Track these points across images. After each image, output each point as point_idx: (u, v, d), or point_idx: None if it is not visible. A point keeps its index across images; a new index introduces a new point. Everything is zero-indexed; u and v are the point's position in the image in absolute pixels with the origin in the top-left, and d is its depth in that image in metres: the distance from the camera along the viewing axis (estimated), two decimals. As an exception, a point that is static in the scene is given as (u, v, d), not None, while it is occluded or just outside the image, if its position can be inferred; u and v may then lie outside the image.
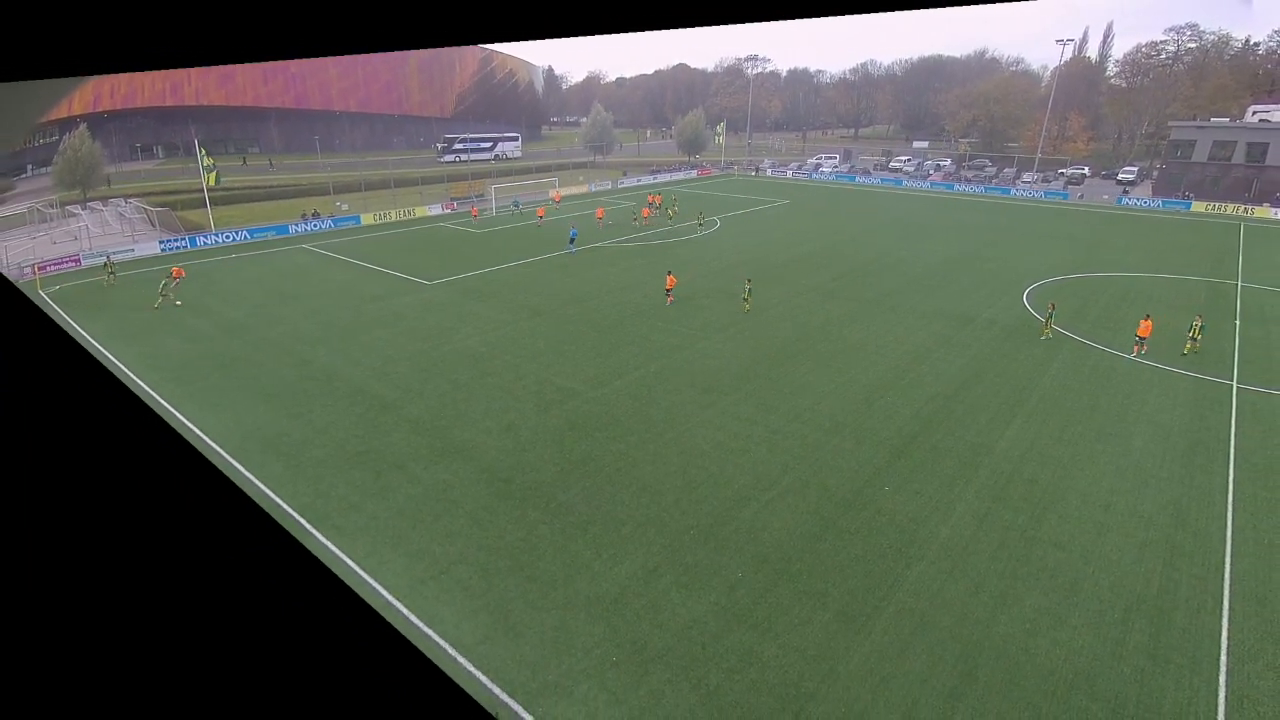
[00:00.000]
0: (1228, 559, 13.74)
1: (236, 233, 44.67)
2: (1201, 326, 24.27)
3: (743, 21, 0.73)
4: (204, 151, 45.53)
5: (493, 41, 0.79)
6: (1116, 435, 18.68)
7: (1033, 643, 11.58)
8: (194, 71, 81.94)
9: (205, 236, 43.36)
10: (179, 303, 30.48)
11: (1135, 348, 24.23)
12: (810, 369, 23.03)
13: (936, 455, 17.56)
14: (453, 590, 12.72)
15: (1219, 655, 11.41)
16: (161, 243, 41.47)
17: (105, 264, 35.01)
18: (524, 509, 15.29)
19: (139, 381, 21.85)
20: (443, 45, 0.81)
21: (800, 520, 14.87)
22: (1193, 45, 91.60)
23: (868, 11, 0.78)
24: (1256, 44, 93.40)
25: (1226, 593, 12.80)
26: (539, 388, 21.52)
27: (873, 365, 23.36)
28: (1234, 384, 22.04)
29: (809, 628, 11.91)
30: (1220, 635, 11.81)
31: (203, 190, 46.59)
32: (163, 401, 20.48)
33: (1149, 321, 24.09)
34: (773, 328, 27.18)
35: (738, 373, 22.68)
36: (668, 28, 0.73)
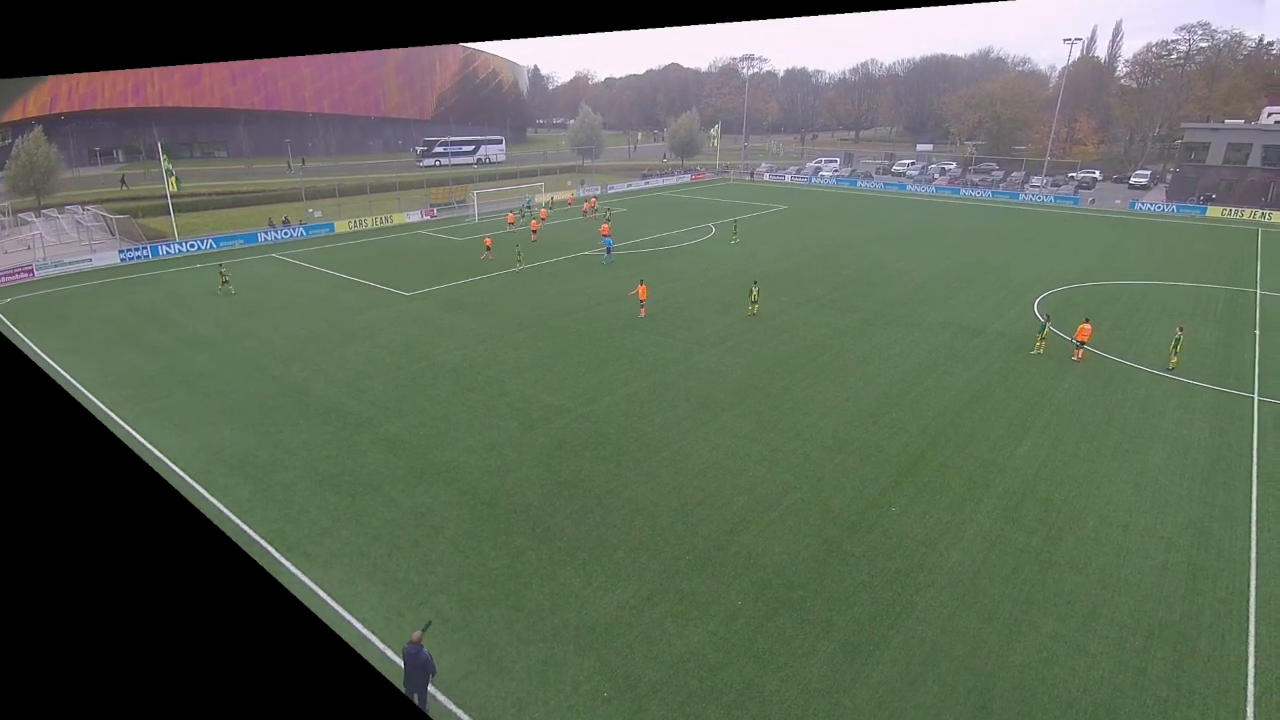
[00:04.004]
0: (1253, 581, 13.80)
1: (201, 241, 44.59)
2: (1177, 339, 24.43)
3: (739, 19, 0.73)
4: (166, 155, 45.46)
5: (490, 40, 0.79)
6: (1134, 451, 18.80)
7: (1050, 672, 11.56)
8: (157, 71, 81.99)
9: (168, 245, 43.20)
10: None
11: (1076, 352, 25.06)
12: (811, 383, 23.10)
13: (945, 474, 17.61)
14: (432, 622, 12.57)
15: (1246, 685, 11.42)
16: (121, 252, 41.26)
17: (220, 273, 34.74)
18: (509, 534, 15.19)
19: (95, 400, 21.63)
20: (433, 43, 0.82)
21: (802, 544, 14.84)
22: (1205, 45, 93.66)
23: (867, 9, 0.79)
24: (1271, 43, 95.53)
25: (1252, 617, 12.85)
26: (524, 404, 21.47)
27: (877, 379, 23.45)
28: (1255, 396, 22.26)
29: (813, 659, 11.85)
30: (1247, 663, 11.84)
31: (165, 196, 46.45)
32: (120, 421, 20.28)
33: (1088, 325, 24.99)
34: (771, 340, 27.27)
35: (735, 388, 22.71)
36: (663, 25, 0.74)
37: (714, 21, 0.75)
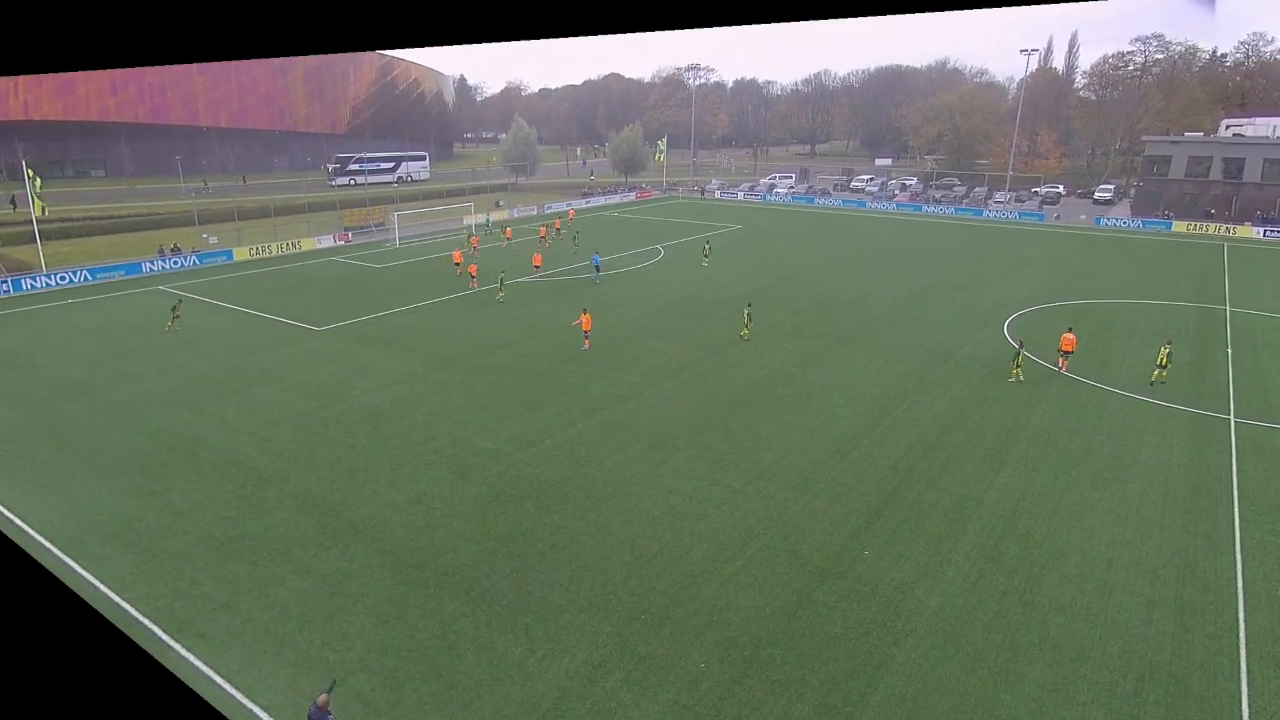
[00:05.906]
0: (1241, 614, 14.43)
1: (74, 273, 43.01)
2: (1159, 352, 26.13)
3: (694, 27, 0.75)
4: (32, 174, 43.73)
5: (465, 43, 0.79)
6: (1113, 480, 19.59)
7: (1040, 725, 11.78)
8: (23, 80, 79.19)
9: (34, 278, 41.51)
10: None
11: (1061, 362, 27.39)
12: (773, 418, 23.41)
13: (920, 512, 17.98)
14: (351, 706, 12.07)
15: (1241, 726, 11.87)
16: (-24, 286, 39.32)
17: (174, 309, 33.43)
18: (439, 599, 14.79)
19: (-58, 461, 20.36)
20: (398, 47, 0.81)
21: (770, 595, 14.87)
22: (1160, 56, 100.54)
23: (822, 18, 0.82)
24: (1224, 55, 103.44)
25: (1243, 653, 13.41)
26: (455, 450, 21.10)
27: (843, 411, 23.93)
28: (1231, 418, 23.55)
29: (786, 725, 11.79)
30: (1240, 703, 12.31)
31: (31, 222, 44.58)
32: (-27, 485, 19.11)
33: (1072, 334, 27.49)
34: (728, 372, 27.60)
35: (691, 424, 22.83)
36: (610, 32, 0.75)
37: (665, 29, 0.76)
